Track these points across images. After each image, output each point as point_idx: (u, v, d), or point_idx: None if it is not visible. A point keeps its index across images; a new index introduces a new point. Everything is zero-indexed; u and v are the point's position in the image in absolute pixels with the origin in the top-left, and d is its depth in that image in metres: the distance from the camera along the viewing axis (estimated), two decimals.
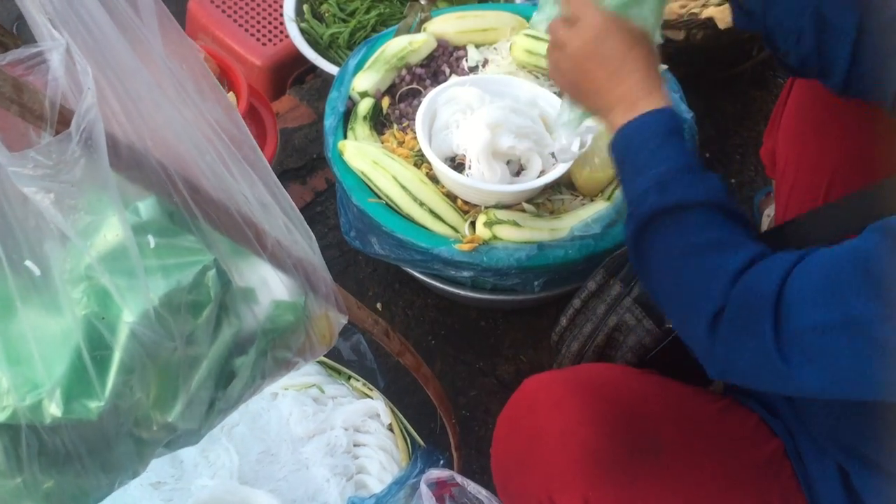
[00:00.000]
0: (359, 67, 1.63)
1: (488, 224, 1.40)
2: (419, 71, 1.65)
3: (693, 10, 1.83)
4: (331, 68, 2.03)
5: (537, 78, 1.63)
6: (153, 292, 0.71)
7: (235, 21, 2.31)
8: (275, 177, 0.81)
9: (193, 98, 0.71)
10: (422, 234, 1.42)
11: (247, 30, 2.30)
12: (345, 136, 1.56)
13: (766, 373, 0.85)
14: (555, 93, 1.53)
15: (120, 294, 0.70)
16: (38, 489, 0.71)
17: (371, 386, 1.48)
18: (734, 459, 1.04)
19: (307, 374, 1.48)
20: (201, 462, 1.36)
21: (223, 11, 2.32)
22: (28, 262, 0.67)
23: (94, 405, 0.70)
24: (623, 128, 0.97)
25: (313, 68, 2.16)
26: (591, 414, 0.96)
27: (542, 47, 1.61)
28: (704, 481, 1.00)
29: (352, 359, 1.59)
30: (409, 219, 1.44)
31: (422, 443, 1.41)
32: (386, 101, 1.62)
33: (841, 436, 1.01)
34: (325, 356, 1.19)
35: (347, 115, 1.59)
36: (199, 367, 0.77)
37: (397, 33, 1.70)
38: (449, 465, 1.29)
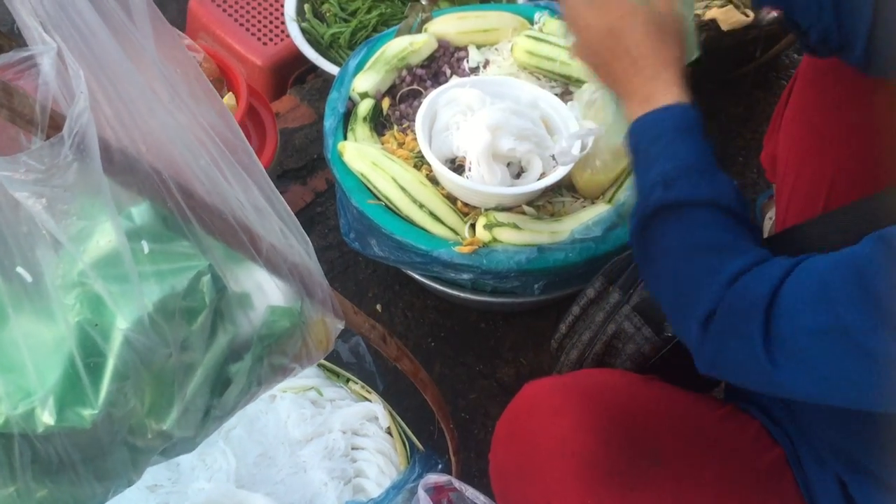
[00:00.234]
0: (359, 68, 1.63)
1: (488, 226, 1.39)
2: (420, 72, 1.64)
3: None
4: (332, 68, 2.02)
5: (539, 79, 1.62)
6: (147, 298, 0.70)
7: (236, 20, 2.30)
8: (270, 181, 0.80)
9: (187, 102, 0.70)
10: (421, 237, 1.41)
11: (248, 29, 2.30)
12: (345, 137, 1.55)
13: (754, 374, 0.86)
14: (555, 94, 1.52)
15: (113, 300, 0.69)
16: (31, 498, 0.70)
17: (370, 389, 1.47)
18: (735, 467, 1.03)
19: (305, 376, 1.47)
20: (198, 465, 1.36)
21: (224, 11, 2.31)
22: (20, 269, 0.66)
23: (88, 413, 0.69)
24: (639, 119, 0.97)
25: (314, 68, 2.15)
26: (591, 420, 0.96)
27: (544, 48, 1.60)
28: (704, 488, 1.00)
29: (351, 361, 1.59)
30: (408, 221, 1.43)
31: (420, 447, 1.40)
32: (386, 102, 1.61)
33: (839, 446, 1.00)
34: (323, 358, 1.18)
35: (347, 116, 1.58)
36: (194, 373, 0.76)
37: (398, 33, 1.69)
38: (447, 470, 1.28)
